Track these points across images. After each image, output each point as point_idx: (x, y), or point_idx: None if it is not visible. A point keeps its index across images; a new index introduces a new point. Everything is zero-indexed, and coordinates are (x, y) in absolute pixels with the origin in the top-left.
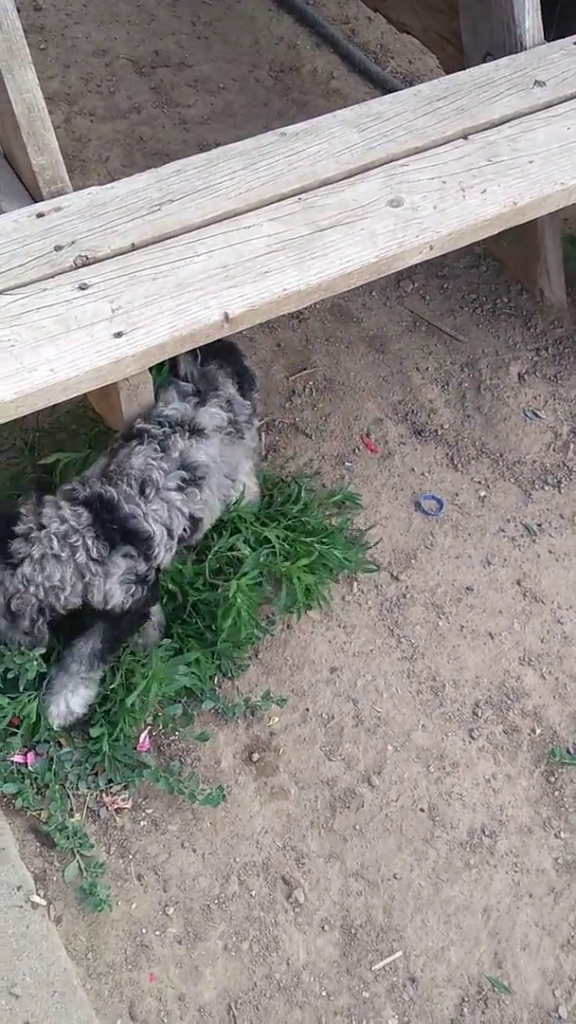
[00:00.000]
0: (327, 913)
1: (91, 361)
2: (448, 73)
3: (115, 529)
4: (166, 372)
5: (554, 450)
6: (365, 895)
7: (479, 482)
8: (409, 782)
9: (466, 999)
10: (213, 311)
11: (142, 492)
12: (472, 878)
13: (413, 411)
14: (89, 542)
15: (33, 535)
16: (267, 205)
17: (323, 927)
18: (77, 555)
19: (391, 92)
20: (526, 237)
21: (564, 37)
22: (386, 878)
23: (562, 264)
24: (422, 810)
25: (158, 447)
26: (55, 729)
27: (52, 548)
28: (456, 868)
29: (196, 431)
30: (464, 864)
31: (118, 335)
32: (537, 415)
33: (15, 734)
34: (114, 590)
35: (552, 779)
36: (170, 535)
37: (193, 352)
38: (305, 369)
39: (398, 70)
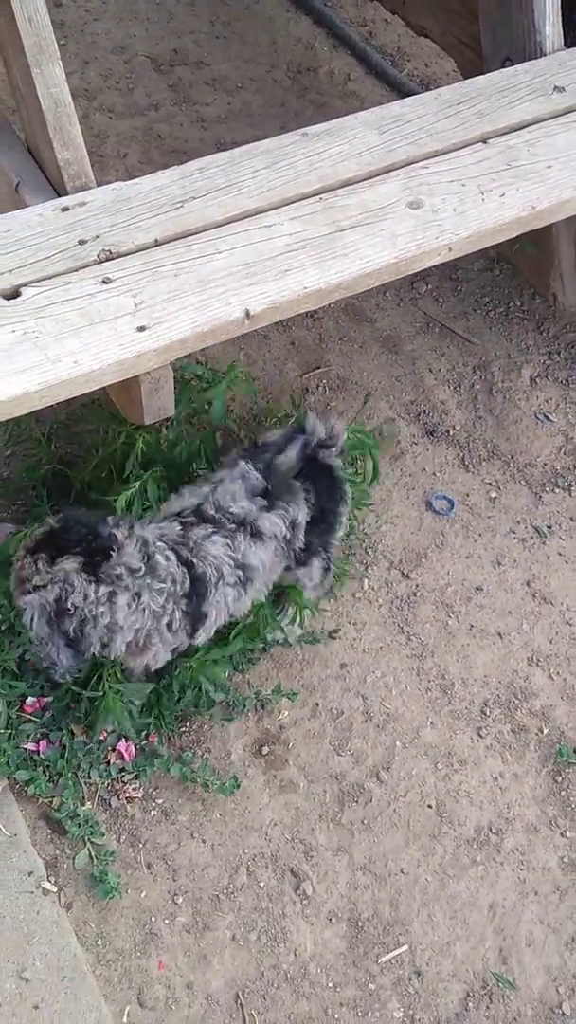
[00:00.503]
0: (334, 906)
1: (114, 354)
2: (466, 77)
3: (198, 609)
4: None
5: (565, 453)
6: (372, 889)
7: (490, 483)
8: (417, 778)
9: (471, 993)
10: (234, 308)
11: (216, 581)
12: (478, 875)
13: (425, 411)
14: (178, 615)
15: (146, 581)
16: (288, 204)
17: (330, 919)
18: (163, 621)
19: (408, 95)
20: (541, 242)
21: None
22: (393, 873)
23: (575, 267)
24: (430, 806)
25: (230, 543)
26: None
27: (154, 605)
28: (463, 864)
29: (256, 534)
30: (471, 861)
31: (141, 329)
32: (548, 418)
33: (29, 721)
34: (162, 658)
35: (559, 779)
36: (214, 624)
37: (296, 462)
38: (319, 368)
39: (415, 73)
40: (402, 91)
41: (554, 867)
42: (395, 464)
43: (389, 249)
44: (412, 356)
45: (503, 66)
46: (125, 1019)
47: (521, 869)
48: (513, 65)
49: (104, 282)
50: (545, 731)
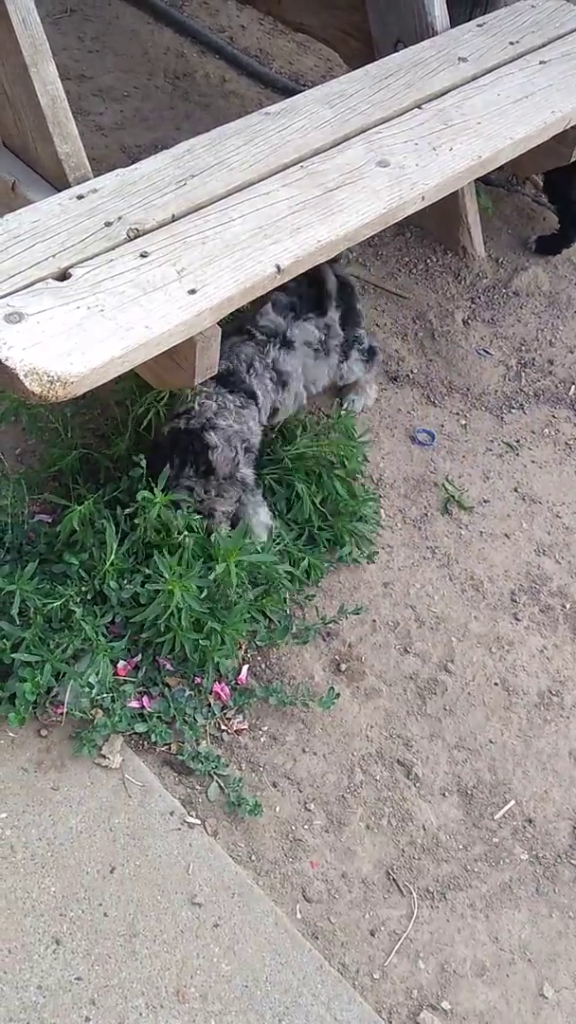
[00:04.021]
0: (443, 782)
1: (177, 316)
2: (351, 65)
3: (242, 389)
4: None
5: (508, 380)
6: (470, 761)
7: (456, 413)
8: (479, 664)
9: None
10: (266, 265)
11: (249, 368)
12: (553, 731)
13: (384, 361)
14: (245, 411)
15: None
16: (275, 174)
17: (443, 794)
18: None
19: (284, 90)
20: (446, 201)
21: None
22: (483, 744)
23: (479, 221)
24: (496, 684)
25: (259, 347)
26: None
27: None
28: (537, 725)
29: (286, 343)
30: (543, 720)
31: (192, 292)
32: (487, 353)
33: (128, 682)
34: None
35: None
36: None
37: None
38: None
39: (281, 70)
40: (276, 87)
41: None
42: (373, 408)
43: (376, 202)
44: None
45: (395, 48)
46: (298, 915)
47: None
48: (405, 47)
49: (142, 256)
50: (567, 606)
